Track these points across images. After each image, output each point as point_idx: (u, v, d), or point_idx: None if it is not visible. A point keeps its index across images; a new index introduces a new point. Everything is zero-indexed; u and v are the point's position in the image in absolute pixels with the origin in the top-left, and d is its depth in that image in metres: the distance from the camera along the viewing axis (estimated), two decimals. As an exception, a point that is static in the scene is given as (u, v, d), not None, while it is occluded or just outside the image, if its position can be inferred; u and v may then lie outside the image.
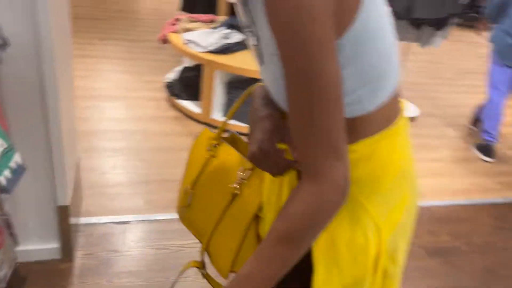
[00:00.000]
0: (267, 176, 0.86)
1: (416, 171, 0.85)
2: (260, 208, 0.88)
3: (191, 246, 1.88)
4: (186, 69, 3.30)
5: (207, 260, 0.98)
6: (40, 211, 1.64)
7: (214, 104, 2.96)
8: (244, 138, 0.93)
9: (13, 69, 1.36)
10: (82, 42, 4.01)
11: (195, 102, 3.11)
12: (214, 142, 0.93)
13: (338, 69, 0.62)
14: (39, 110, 1.45)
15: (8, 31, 1.27)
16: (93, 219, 1.97)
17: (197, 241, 1.01)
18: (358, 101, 0.71)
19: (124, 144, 2.60)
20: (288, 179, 0.82)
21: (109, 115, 2.91)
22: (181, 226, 1.03)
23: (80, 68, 3.40)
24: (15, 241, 1.47)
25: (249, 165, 0.88)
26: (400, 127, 0.78)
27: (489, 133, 3.17)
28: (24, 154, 1.46)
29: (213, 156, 0.93)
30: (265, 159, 0.77)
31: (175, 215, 1.20)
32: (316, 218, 0.65)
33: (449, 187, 2.74)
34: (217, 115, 2.99)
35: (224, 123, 0.95)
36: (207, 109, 2.96)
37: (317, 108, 0.61)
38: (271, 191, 0.86)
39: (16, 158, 1.27)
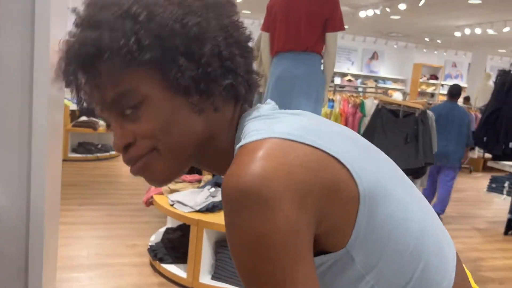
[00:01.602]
0: None
1: None
2: None
3: None
4: (168, 231, 3.19)
5: None
6: None
7: (201, 266, 2.78)
8: None
9: (-3, 245, 1.25)
10: (61, 208, 3.91)
11: (180, 265, 2.92)
12: None
13: None
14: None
15: (-2, 205, 1.21)
16: None
17: None
18: None
19: (104, 320, 2.32)
20: None
21: (90, 287, 2.66)
22: None
23: (59, 236, 3.25)
24: None
25: None
26: None
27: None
28: None
29: None
30: None
31: None
32: None
33: None
34: (205, 279, 2.79)
35: None
36: (194, 273, 2.77)
37: None
38: None
39: None
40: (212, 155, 0.65)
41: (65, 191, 4.42)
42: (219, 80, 0.59)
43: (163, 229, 3.34)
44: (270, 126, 0.57)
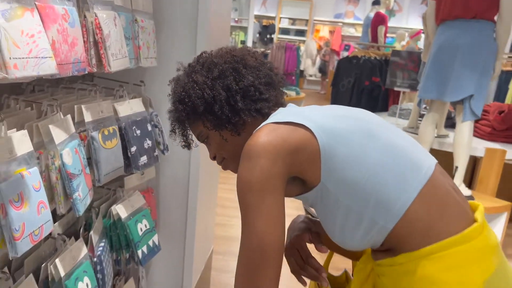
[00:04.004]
0: None
1: None
2: None
3: None
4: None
5: None
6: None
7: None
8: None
9: (169, 167, 1.73)
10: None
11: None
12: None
13: (273, 229, 0.79)
14: (184, 205, 1.76)
15: (169, 140, 1.66)
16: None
17: None
18: (374, 222, 0.81)
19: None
20: None
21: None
22: None
23: (229, 182, 3.85)
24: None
25: None
26: (464, 241, 0.76)
27: None
28: (162, 239, 1.75)
29: None
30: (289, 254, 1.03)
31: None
32: None
33: None
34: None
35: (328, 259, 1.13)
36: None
37: (246, 261, 0.82)
38: None
39: (154, 239, 1.54)
40: None
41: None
42: (238, 120, 0.94)
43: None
44: (270, 119, 0.89)
